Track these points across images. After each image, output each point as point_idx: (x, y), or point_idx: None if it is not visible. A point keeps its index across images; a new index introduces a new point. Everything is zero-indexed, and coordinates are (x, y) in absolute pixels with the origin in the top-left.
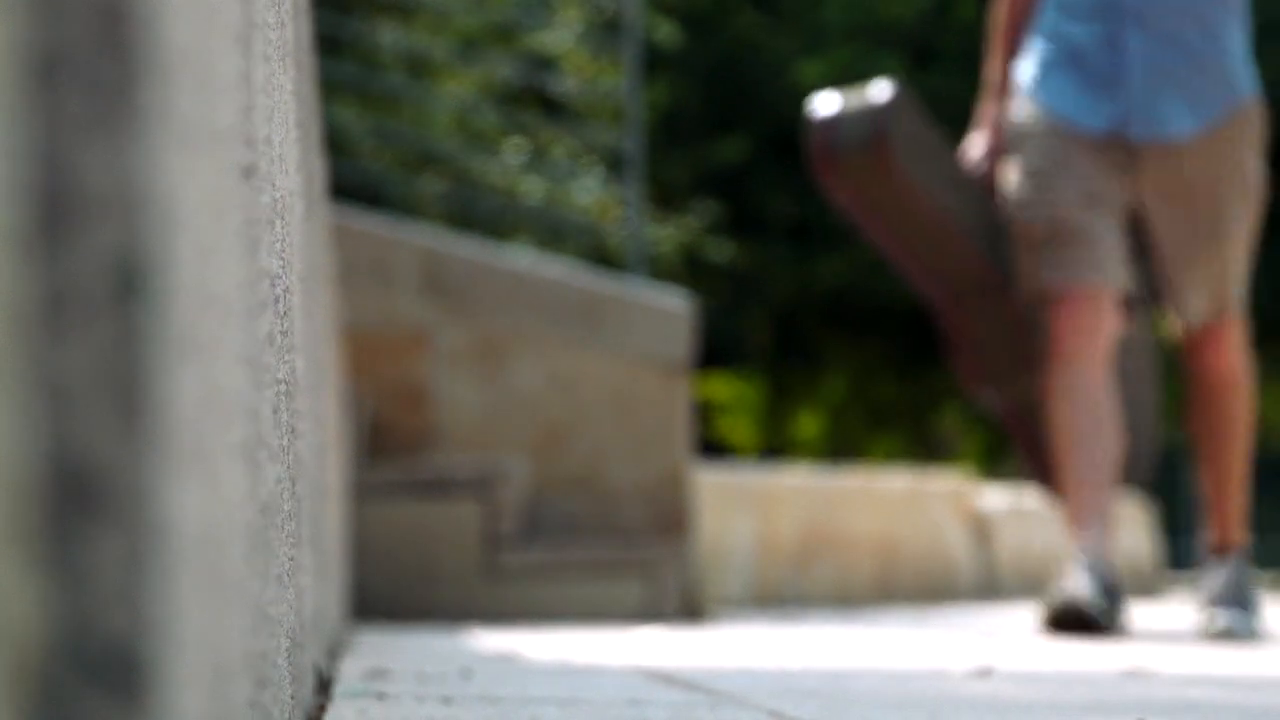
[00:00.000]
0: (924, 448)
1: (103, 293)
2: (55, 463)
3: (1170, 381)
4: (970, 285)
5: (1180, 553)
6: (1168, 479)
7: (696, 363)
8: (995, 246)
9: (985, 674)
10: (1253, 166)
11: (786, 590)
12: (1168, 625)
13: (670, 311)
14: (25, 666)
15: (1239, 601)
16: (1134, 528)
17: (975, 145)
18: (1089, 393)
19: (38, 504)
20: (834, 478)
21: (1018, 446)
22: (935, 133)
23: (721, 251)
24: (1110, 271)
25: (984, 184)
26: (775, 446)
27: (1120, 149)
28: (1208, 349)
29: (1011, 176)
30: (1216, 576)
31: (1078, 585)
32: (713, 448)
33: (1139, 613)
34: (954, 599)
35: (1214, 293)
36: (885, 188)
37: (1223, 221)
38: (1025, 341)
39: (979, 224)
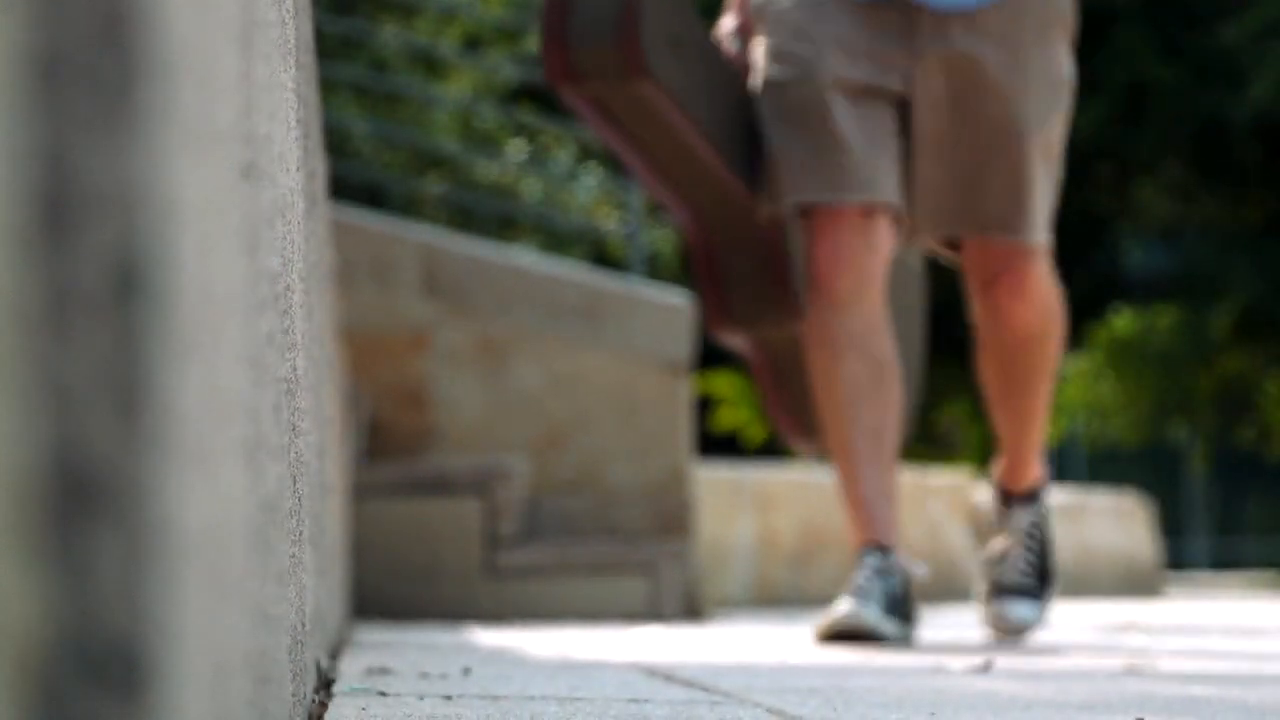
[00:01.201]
0: (925, 444)
1: (104, 292)
2: (56, 461)
3: (1159, 373)
4: (720, 212)
5: (1180, 553)
6: (1168, 479)
7: (698, 362)
8: (748, 162)
9: (985, 671)
10: (1064, 60)
11: (786, 589)
12: (1167, 624)
13: (672, 310)
14: (26, 665)
15: (1030, 589)
16: (1134, 527)
17: (725, 22)
18: (862, 339)
19: (39, 502)
20: (834, 476)
21: (764, 399)
22: (696, 23)
23: None
24: (881, 183)
25: (742, 81)
26: (779, 445)
27: (896, 11)
28: (1002, 291)
29: (758, 58)
30: (1017, 523)
31: (854, 605)
32: (716, 441)
33: (1139, 612)
34: (954, 597)
35: (1002, 210)
36: (628, 89)
37: (1020, 120)
38: (778, 281)
39: (735, 137)
